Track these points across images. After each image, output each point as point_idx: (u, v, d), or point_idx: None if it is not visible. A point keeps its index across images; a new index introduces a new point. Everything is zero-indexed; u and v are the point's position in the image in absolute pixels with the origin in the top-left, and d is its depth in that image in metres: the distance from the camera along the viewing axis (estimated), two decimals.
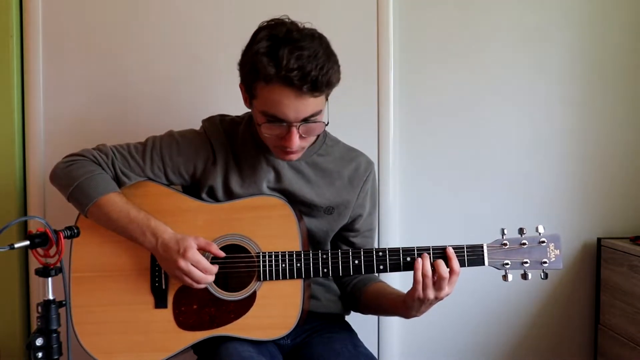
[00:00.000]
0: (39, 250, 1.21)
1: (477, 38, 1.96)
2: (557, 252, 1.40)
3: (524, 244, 1.40)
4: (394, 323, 1.98)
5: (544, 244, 1.39)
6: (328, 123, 1.42)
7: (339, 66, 1.36)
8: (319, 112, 1.36)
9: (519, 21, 1.96)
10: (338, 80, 1.37)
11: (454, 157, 1.98)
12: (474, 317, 2.01)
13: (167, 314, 1.45)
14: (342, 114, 1.84)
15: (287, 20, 1.35)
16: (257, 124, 1.41)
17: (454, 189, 1.98)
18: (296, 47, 1.28)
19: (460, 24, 1.96)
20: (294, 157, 1.43)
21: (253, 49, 1.32)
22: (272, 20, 1.36)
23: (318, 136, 1.53)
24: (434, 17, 1.96)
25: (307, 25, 1.36)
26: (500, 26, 1.96)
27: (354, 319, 1.67)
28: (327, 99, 1.40)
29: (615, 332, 1.90)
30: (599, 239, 1.99)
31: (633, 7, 1.98)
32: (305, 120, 1.34)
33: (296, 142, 1.36)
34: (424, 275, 1.35)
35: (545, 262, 1.39)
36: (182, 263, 1.37)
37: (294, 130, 1.35)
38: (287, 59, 1.27)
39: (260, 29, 1.35)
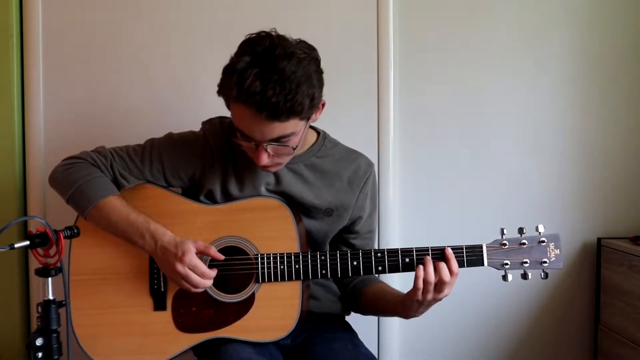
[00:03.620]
0: (39, 250, 1.22)
1: (477, 38, 1.96)
2: (557, 251, 1.39)
3: (524, 243, 1.38)
4: (394, 323, 1.98)
5: (544, 244, 1.38)
6: (295, 148, 1.37)
7: (315, 91, 1.30)
8: (289, 135, 1.32)
9: (519, 21, 1.96)
10: (312, 106, 1.30)
11: (454, 157, 1.97)
12: (474, 317, 2.01)
13: (166, 316, 1.45)
14: (342, 114, 1.85)
15: (274, 33, 1.31)
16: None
17: (454, 189, 1.98)
18: (267, 69, 1.24)
19: (460, 24, 1.95)
20: (271, 169, 1.43)
21: (231, 62, 1.29)
22: (259, 33, 1.32)
23: (316, 140, 1.53)
24: (434, 17, 1.95)
25: (302, 37, 1.33)
26: (500, 26, 1.96)
27: (354, 319, 1.67)
28: (307, 120, 1.35)
29: (615, 332, 1.90)
30: (599, 239, 1.98)
31: (633, 7, 1.97)
32: (274, 140, 1.32)
33: (264, 159, 1.35)
34: (426, 282, 1.33)
35: (545, 262, 1.38)
36: (180, 267, 1.37)
37: (261, 149, 1.34)
38: (251, 82, 1.23)
39: (243, 42, 1.32)
